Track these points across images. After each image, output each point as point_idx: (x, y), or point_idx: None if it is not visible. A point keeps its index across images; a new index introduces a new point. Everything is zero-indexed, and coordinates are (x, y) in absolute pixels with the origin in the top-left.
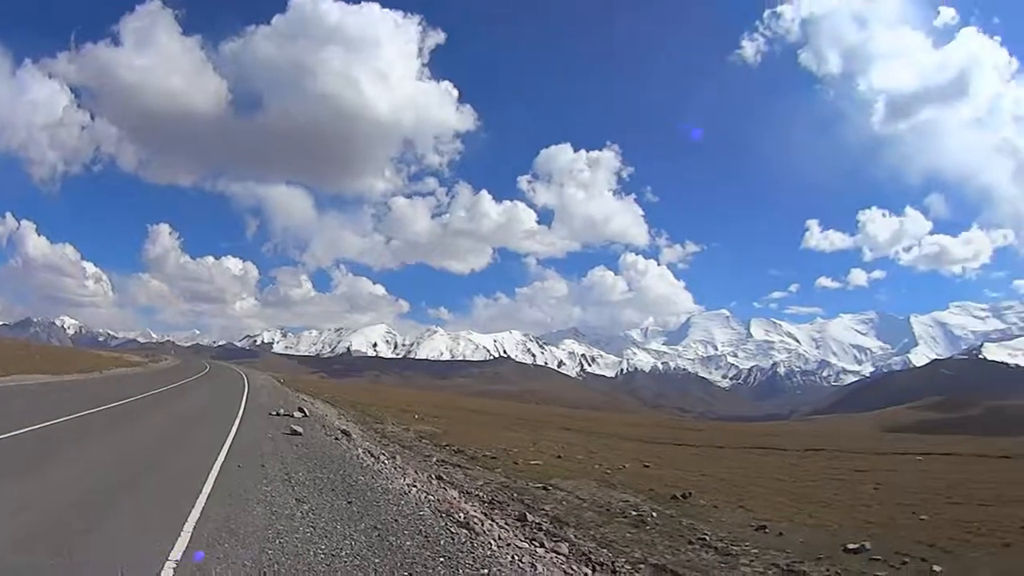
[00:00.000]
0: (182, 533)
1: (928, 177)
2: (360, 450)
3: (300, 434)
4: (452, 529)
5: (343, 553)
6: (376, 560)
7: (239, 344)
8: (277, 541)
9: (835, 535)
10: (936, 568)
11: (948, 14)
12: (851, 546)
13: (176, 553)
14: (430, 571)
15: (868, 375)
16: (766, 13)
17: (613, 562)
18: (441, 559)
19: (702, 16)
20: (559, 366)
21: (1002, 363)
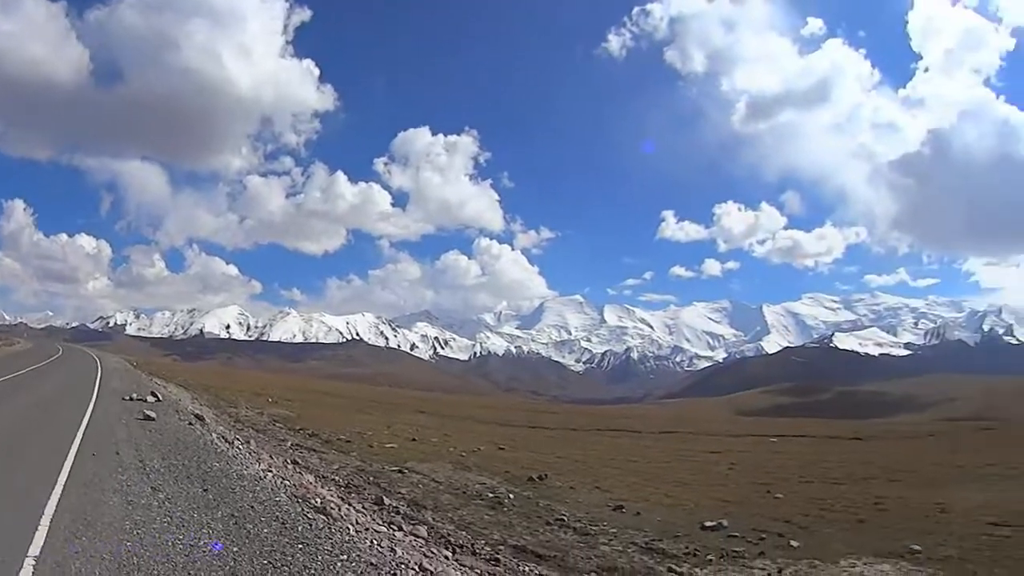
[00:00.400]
0: (39, 528)
1: (785, 176)
2: (214, 435)
3: (154, 419)
4: (309, 515)
5: (201, 543)
6: (235, 549)
7: (92, 326)
8: (135, 533)
9: (692, 514)
10: (793, 543)
11: (816, 24)
12: (708, 524)
13: (34, 548)
14: (289, 559)
15: (721, 361)
16: (635, 10)
17: (473, 544)
18: (300, 546)
19: (570, 7)
20: (412, 349)
21: (852, 351)
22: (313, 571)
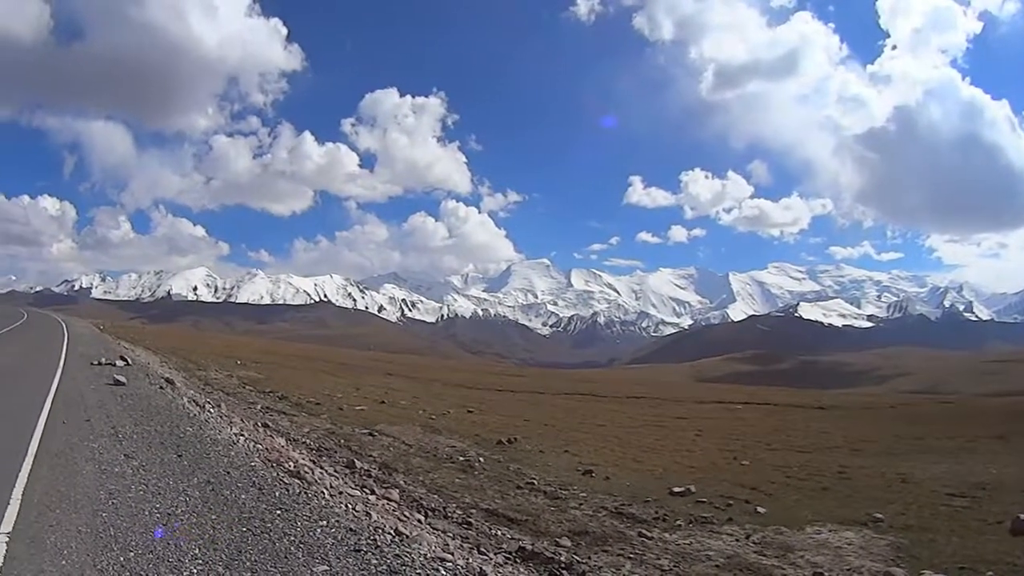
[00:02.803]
0: (10, 502)
1: (752, 145)
2: (185, 399)
3: (124, 384)
4: (285, 480)
5: (179, 511)
6: (213, 517)
7: (56, 290)
8: (110, 503)
9: (660, 479)
10: (760, 510)
11: None
12: (677, 489)
13: (6, 525)
14: (268, 525)
15: (687, 327)
16: None
17: (444, 507)
18: (278, 511)
19: None
20: (379, 311)
21: (816, 321)
22: (293, 537)
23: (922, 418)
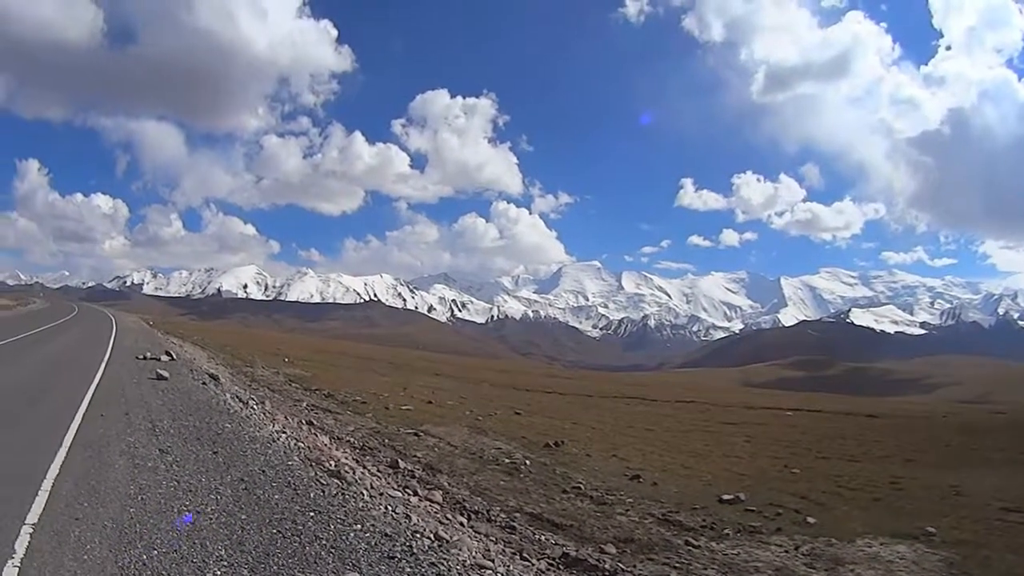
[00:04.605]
0: (40, 492)
1: (804, 148)
2: (228, 395)
3: (167, 379)
4: (323, 480)
5: (209, 510)
6: (243, 517)
7: (108, 285)
8: (139, 498)
9: (709, 486)
10: (810, 520)
11: None
12: (725, 497)
13: (33, 515)
14: (300, 527)
15: (737, 332)
16: None
17: (488, 510)
18: (311, 513)
19: None
20: (429, 311)
21: (868, 328)
22: (324, 541)
23: (975, 429)
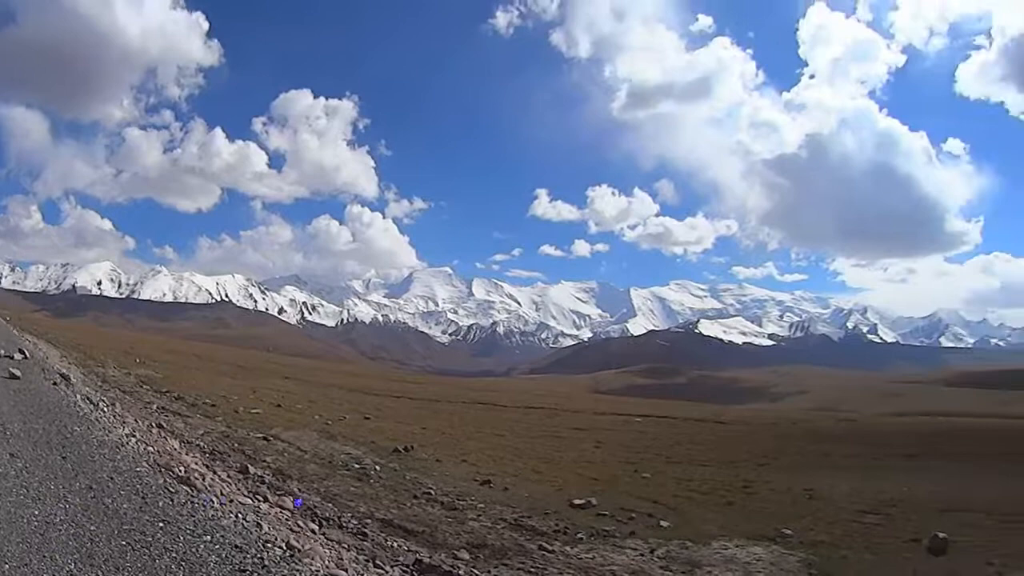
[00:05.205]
0: None
1: (660, 164)
2: (79, 396)
3: (18, 378)
4: (172, 487)
5: (57, 520)
6: (92, 528)
7: None
8: None
9: (560, 491)
10: (663, 523)
11: (706, 21)
12: (577, 501)
13: None
14: (149, 539)
15: (586, 340)
16: None
17: (339, 517)
18: (161, 524)
19: None
20: (280, 313)
21: (716, 338)
22: (175, 554)
23: (825, 435)
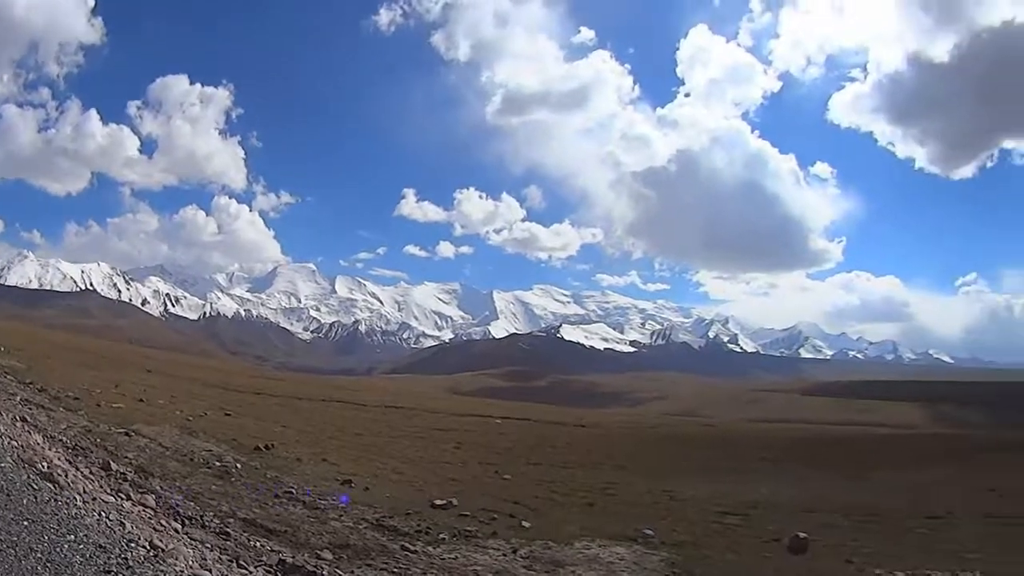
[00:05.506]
0: None
1: (530, 170)
2: None
3: None
4: (35, 483)
5: None
6: None
7: None
8: None
9: (421, 491)
10: (525, 524)
11: (588, 34)
12: (439, 502)
13: None
14: (14, 539)
15: (447, 341)
16: None
17: (201, 516)
18: (25, 522)
19: None
20: (143, 304)
21: (577, 343)
22: (39, 555)
23: (685, 439)
